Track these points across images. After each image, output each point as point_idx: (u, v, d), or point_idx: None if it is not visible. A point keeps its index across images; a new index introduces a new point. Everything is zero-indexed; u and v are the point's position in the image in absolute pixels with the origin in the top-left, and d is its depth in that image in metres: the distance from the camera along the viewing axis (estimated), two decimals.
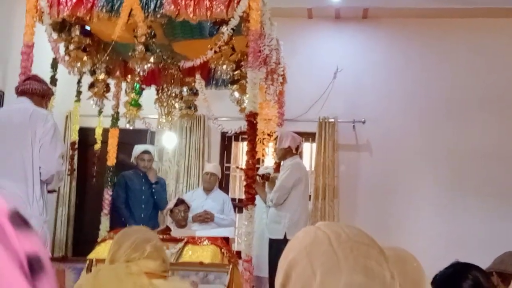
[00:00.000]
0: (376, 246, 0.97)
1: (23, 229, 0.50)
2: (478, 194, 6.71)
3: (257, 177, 5.59)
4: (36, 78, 3.81)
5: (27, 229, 0.51)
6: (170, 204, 5.56)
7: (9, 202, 0.51)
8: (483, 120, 6.86)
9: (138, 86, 5.54)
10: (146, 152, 5.93)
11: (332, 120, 6.98)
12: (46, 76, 4.25)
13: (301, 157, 6.23)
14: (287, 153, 5.55)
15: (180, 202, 5.49)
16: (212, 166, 6.31)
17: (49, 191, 3.72)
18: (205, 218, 5.67)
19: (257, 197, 4.90)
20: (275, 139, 5.46)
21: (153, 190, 5.95)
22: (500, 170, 6.73)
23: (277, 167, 5.87)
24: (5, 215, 0.50)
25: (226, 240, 5.01)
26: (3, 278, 0.47)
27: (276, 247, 5.10)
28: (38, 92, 3.73)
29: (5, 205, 0.50)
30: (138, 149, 5.95)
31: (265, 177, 5.78)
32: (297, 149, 5.64)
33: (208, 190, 6.06)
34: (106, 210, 5.62)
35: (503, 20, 6.95)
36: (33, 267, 0.49)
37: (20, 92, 3.72)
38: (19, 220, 0.50)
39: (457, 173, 6.81)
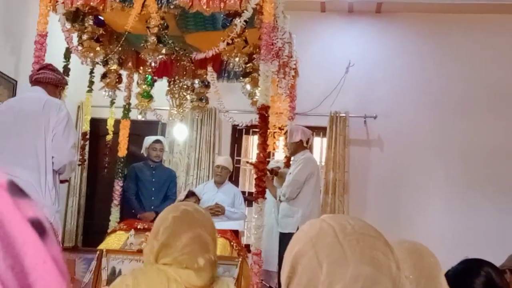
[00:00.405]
0: (382, 237, 0.98)
1: (20, 196, 0.51)
2: (489, 190, 6.67)
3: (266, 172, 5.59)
4: (50, 67, 3.82)
5: (23, 196, 0.53)
6: (181, 196, 5.57)
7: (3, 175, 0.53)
8: (495, 117, 6.81)
9: (150, 77, 5.54)
10: (157, 141, 5.96)
11: (344, 114, 6.95)
12: (59, 66, 4.25)
13: (311, 151, 6.21)
14: (298, 147, 5.54)
15: (191, 194, 5.50)
16: (224, 159, 6.30)
17: (61, 181, 3.73)
18: (216, 211, 5.67)
19: (267, 191, 4.89)
20: (286, 133, 5.45)
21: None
22: (510, 167, 6.68)
23: (288, 161, 5.86)
24: (3, 188, 0.51)
25: (236, 233, 5.02)
26: (27, 242, 0.49)
27: (288, 241, 5.07)
28: (52, 81, 3.73)
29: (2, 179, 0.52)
30: (149, 139, 5.98)
31: (274, 172, 5.76)
32: (307, 142, 5.63)
33: (219, 183, 6.06)
34: (116, 201, 5.65)
35: None
36: (36, 231, 0.51)
37: (34, 81, 3.73)
38: (15, 189, 0.52)
39: (468, 170, 6.77)
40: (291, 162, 5.78)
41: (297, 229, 4.48)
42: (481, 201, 6.68)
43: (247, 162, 7.00)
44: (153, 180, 5.97)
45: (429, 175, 6.88)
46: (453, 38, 7.06)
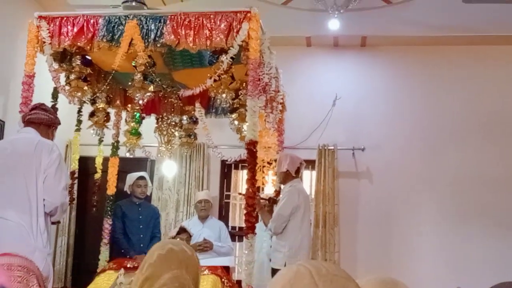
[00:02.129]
0: (352, 280, 1.03)
1: None
2: (480, 221, 6.68)
3: (263, 201, 5.54)
4: (43, 107, 3.82)
5: None
6: (172, 232, 5.53)
7: None
8: (485, 147, 6.87)
9: (138, 115, 5.56)
10: (141, 178, 5.93)
11: (332, 147, 6.98)
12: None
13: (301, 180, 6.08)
14: (287, 176, 5.41)
15: (182, 230, 5.47)
16: (204, 193, 6.32)
17: (52, 223, 3.69)
18: (205, 247, 5.64)
19: (257, 225, 4.85)
20: (275, 161, 5.43)
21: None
22: (502, 197, 6.70)
23: (277, 195, 5.83)
24: None
25: (226, 269, 4.98)
26: None
27: None
28: (44, 121, 3.73)
29: None
30: (132, 176, 5.95)
31: (271, 201, 5.69)
32: (297, 171, 5.44)
33: (203, 218, 6.05)
34: (105, 239, 5.59)
35: (503, 47, 7.00)
36: None
37: (27, 121, 3.72)
38: None
39: (459, 200, 6.79)
40: (280, 193, 5.73)
41: (285, 264, 4.40)
42: (473, 231, 6.68)
43: (239, 193, 6.97)
44: (140, 217, 5.94)
45: (419, 206, 6.89)
46: (438, 70, 7.16)
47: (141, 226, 5.91)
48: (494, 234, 6.61)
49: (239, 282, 4.96)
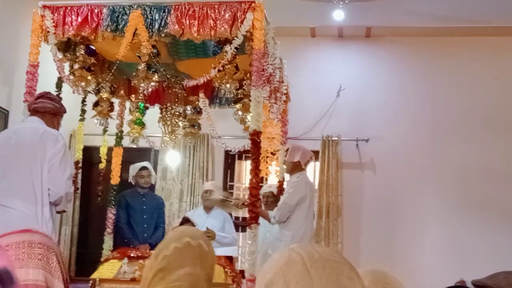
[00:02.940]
0: (348, 263, 1.02)
1: None
2: (484, 213, 6.69)
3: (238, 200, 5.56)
4: (48, 96, 3.82)
5: None
6: (176, 223, 5.54)
7: None
8: (490, 139, 6.86)
9: (142, 105, 5.56)
10: (144, 168, 5.95)
11: (336, 138, 6.98)
12: None
13: None
14: (296, 167, 5.46)
15: (186, 220, 5.48)
16: (211, 183, 6.32)
17: (58, 212, 3.71)
18: (207, 236, 5.64)
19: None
20: (286, 150, 5.45)
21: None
22: (506, 189, 6.70)
23: (281, 185, 5.84)
24: None
25: (230, 259, 4.99)
26: None
27: None
28: (49, 110, 3.73)
29: None
30: (135, 167, 5.96)
31: (272, 195, 5.76)
32: (306, 164, 5.54)
33: (208, 209, 6.05)
34: (109, 229, 5.61)
35: (509, 38, 6.97)
36: (3, 280, 0.51)
37: (32, 110, 3.73)
38: None
39: (463, 192, 6.79)
40: (285, 183, 5.75)
41: None
42: (477, 223, 6.68)
43: (237, 199, 7.04)
44: (144, 207, 5.95)
45: (423, 198, 6.89)
46: (443, 61, 7.13)
47: (145, 216, 5.92)
48: (499, 227, 6.62)
49: (242, 272, 4.98)
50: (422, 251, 6.71)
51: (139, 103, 5.52)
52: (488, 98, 6.96)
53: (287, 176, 5.66)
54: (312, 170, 7.26)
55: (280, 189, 5.83)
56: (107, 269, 4.26)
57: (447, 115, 7.02)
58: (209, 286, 1.91)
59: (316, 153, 7.00)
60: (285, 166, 5.61)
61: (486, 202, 6.71)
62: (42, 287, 1.42)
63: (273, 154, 5.04)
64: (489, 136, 6.87)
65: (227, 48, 3.97)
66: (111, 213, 5.66)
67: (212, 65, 4.11)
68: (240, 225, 6.79)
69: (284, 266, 1.00)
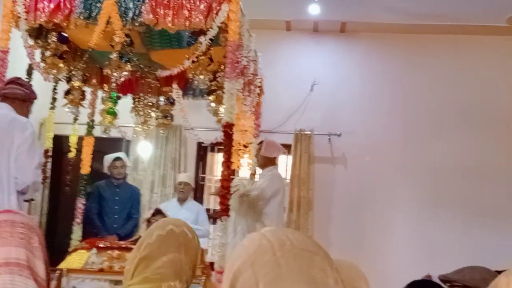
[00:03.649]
0: (321, 252, 0.98)
1: None
2: (455, 208, 6.79)
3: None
4: (18, 82, 3.75)
5: None
6: (148, 214, 5.51)
7: None
8: (462, 136, 6.96)
9: (115, 94, 5.49)
10: (118, 159, 5.92)
11: (309, 132, 7.01)
12: None
13: None
14: (269, 162, 5.53)
15: (158, 212, 5.44)
16: (185, 175, 6.30)
17: (26, 200, 3.65)
18: None
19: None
20: (259, 144, 5.47)
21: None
22: (477, 185, 6.80)
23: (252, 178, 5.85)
24: None
25: None
26: None
27: None
28: (19, 96, 3.67)
29: None
30: (109, 157, 5.93)
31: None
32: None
33: (182, 200, 6.03)
34: (78, 219, 5.54)
35: (483, 37, 7.07)
36: None
37: (2, 96, 3.65)
38: None
39: (434, 187, 6.89)
40: (258, 176, 5.77)
41: None
42: (447, 219, 6.79)
43: (210, 194, 7.04)
44: (116, 198, 5.91)
45: (395, 193, 6.96)
46: (418, 58, 7.21)
47: (116, 207, 5.88)
48: (469, 223, 6.73)
49: (211, 264, 4.96)
50: (392, 246, 6.79)
51: (112, 92, 5.46)
52: (462, 96, 7.05)
53: (258, 170, 5.69)
54: (285, 164, 7.28)
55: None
56: (75, 259, 4.21)
57: (420, 112, 7.10)
58: (194, 273, 1.91)
59: (288, 147, 7.04)
60: (256, 160, 5.63)
61: (458, 198, 6.81)
62: (24, 266, 1.40)
63: (245, 146, 5.04)
64: (462, 133, 6.97)
65: (202, 39, 3.94)
66: (80, 203, 5.59)
67: (186, 56, 4.08)
68: (211, 217, 6.79)
69: (253, 255, 0.97)
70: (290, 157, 7.10)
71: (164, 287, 1.78)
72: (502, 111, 6.97)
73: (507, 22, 6.64)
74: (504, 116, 6.96)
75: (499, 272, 1.43)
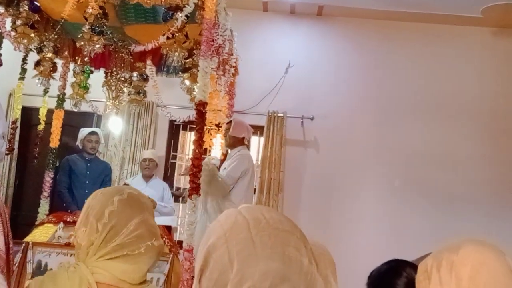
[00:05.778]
0: (297, 231, 0.98)
1: None
2: (424, 194, 6.90)
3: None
4: None
5: None
6: None
7: None
8: (433, 123, 7.06)
9: (87, 68, 5.40)
10: (93, 133, 5.87)
11: (281, 115, 7.01)
12: None
13: (248, 149, 6.21)
14: (238, 142, 5.53)
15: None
16: (150, 152, 6.29)
17: None
18: None
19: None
20: (229, 123, 5.46)
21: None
22: (447, 172, 6.91)
23: (224, 158, 5.84)
24: None
25: (168, 229, 4.97)
26: None
27: None
28: None
29: None
30: (84, 131, 5.87)
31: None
32: (248, 140, 5.69)
33: (147, 177, 6.01)
34: (46, 192, 5.47)
35: (458, 27, 7.14)
36: None
37: None
38: None
39: (404, 173, 6.98)
40: (227, 157, 5.76)
41: None
42: (417, 204, 6.89)
43: (180, 175, 7.01)
44: (88, 173, 5.86)
45: (364, 178, 7.03)
46: (392, 45, 7.25)
47: (87, 182, 5.83)
48: (439, 209, 6.84)
49: (180, 243, 4.96)
50: (360, 230, 6.87)
51: (85, 66, 5.37)
52: (434, 84, 7.13)
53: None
54: (256, 145, 7.29)
55: (223, 161, 5.83)
56: (41, 233, 4.17)
57: (393, 98, 7.16)
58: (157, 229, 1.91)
59: (261, 128, 7.04)
60: (225, 140, 5.63)
61: (427, 183, 6.91)
62: None
63: (218, 126, 5.02)
64: (433, 120, 7.06)
65: (178, 15, 3.89)
66: (48, 177, 5.52)
67: (162, 31, 4.03)
68: (180, 195, 6.78)
69: (228, 231, 0.96)
70: (262, 139, 7.11)
71: (143, 248, 1.77)
72: (473, 100, 7.08)
73: (481, 13, 6.71)
74: (475, 106, 7.06)
75: None
